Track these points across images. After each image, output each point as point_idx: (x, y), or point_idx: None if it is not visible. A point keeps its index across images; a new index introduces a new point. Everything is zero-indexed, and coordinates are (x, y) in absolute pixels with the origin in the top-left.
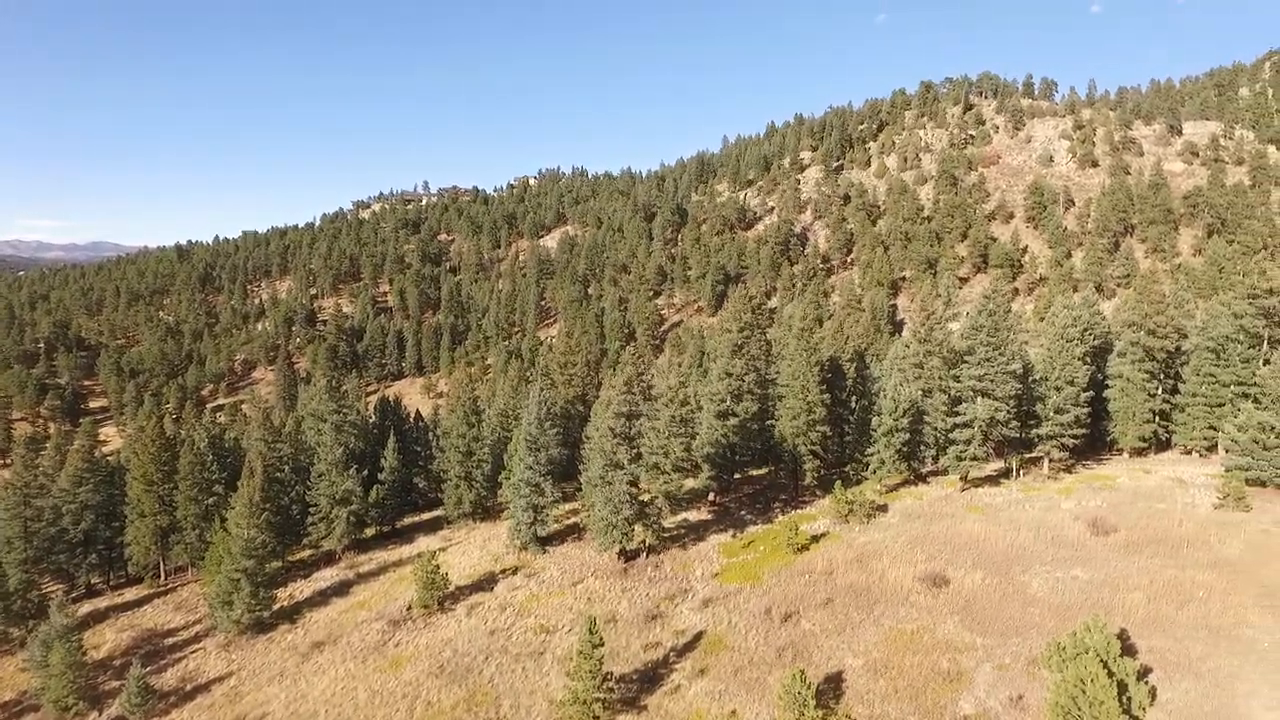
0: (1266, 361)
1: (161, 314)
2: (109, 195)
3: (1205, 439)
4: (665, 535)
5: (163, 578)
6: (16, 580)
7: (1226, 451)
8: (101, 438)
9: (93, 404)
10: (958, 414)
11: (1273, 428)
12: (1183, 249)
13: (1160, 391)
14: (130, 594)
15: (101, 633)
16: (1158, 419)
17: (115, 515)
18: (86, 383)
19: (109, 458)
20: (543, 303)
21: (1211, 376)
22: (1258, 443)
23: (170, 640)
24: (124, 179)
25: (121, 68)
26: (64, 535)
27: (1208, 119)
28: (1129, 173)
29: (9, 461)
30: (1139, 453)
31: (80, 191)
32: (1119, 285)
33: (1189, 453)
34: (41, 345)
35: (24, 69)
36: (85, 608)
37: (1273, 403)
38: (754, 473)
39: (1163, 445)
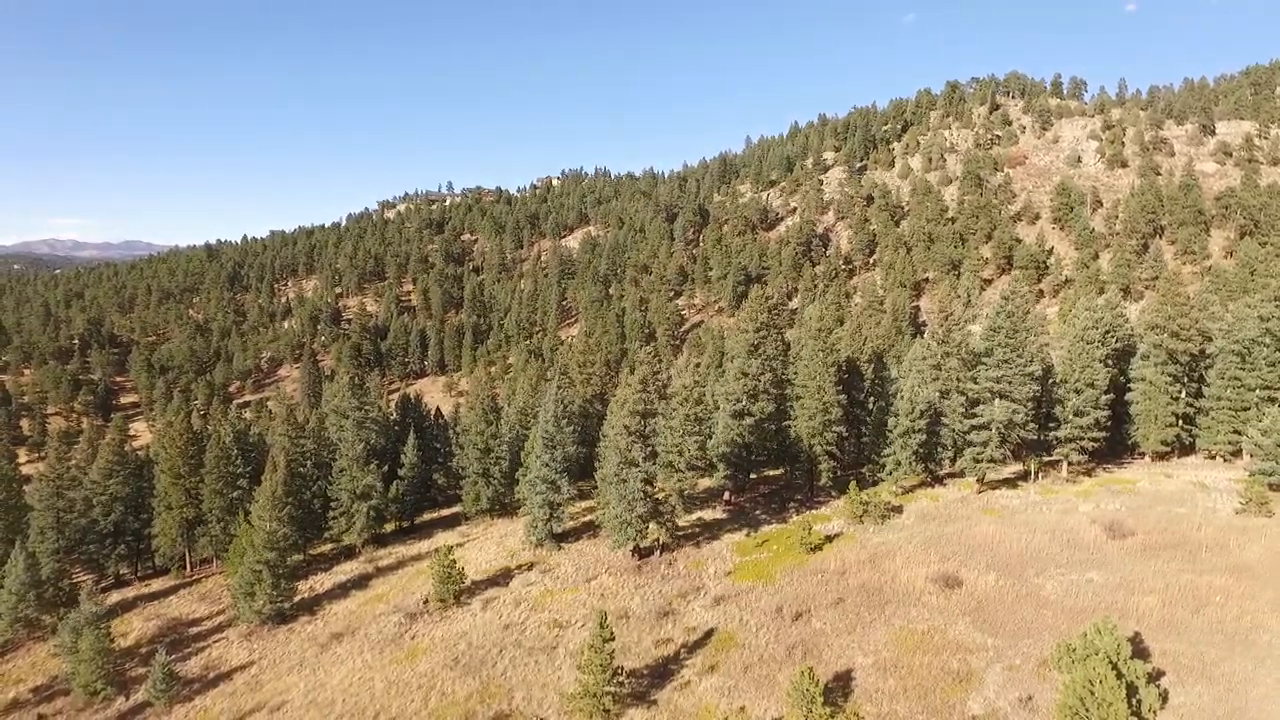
0: None
1: (191, 312)
2: (142, 195)
3: (1230, 443)
4: (679, 533)
5: (188, 569)
6: (49, 569)
7: (1251, 456)
8: (132, 433)
9: (124, 400)
10: (975, 416)
11: None
12: (1214, 251)
13: (1184, 395)
14: (157, 584)
15: (129, 621)
16: (1181, 422)
17: (144, 507)
18: (118, 379)
19: (139, 452)
20: (564, 303)
21: (1237, 380)
22: None
23: (194, 629)
24: (157, 179)
25: (155, 67)
26: (94, 526)
27: (1242, 118)
28: (1159, 173)
29: (44, 455)
30: (1161, 457)
31: (115, 191)
32: (1147, 287)
33: (1213, 457)
34: (76, 342)
35: (61, 69)
36: (114, 597)
37: None
38: (770, 473)
39: (1186, 449)
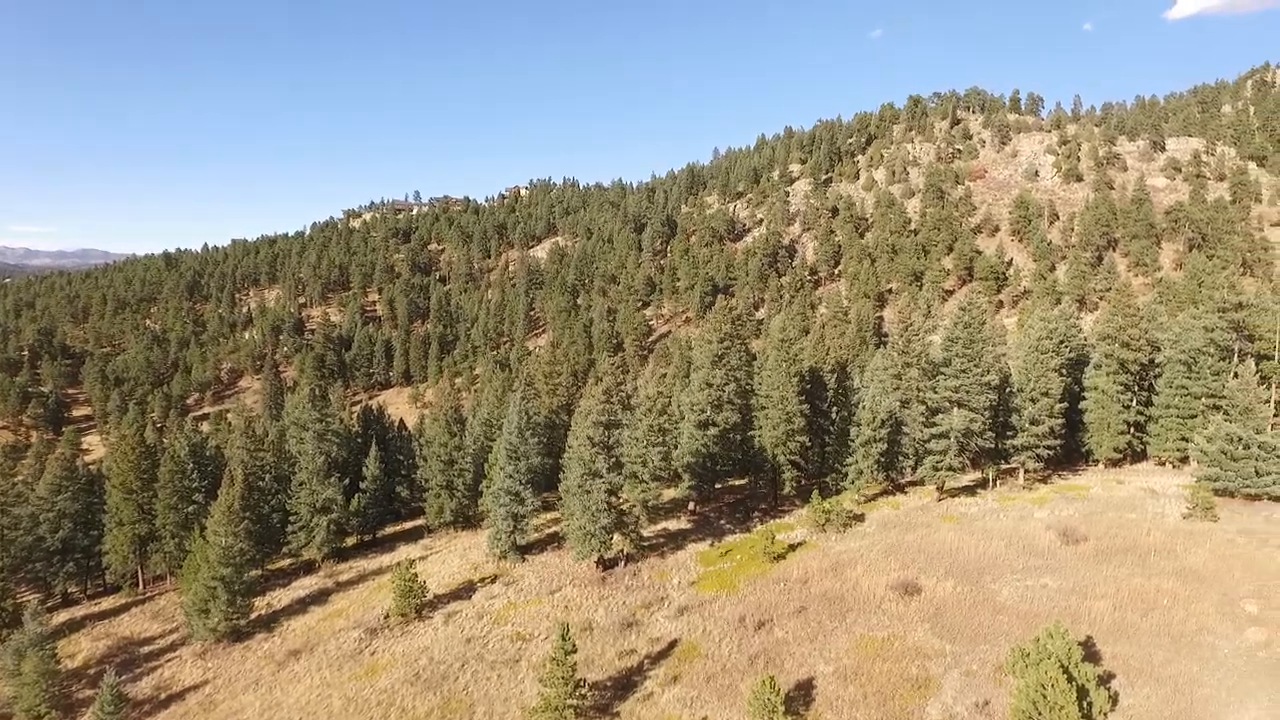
0: (1235, 374)
1: (148, 322)
2: (99, 203)
3: (1178, 450)
4: (644, 544)
5: (141, 586)
6: None
7: (1197, 463)
8: (85, 446)
9: (77, 413)
10: (935, 424)
11: (1240, 439)
12: (1164, 263)
13: (1135, 403)
14: (107, 603)
15: (77, 641)
16: (1132, 430)
17: (94, 524)
18: (71, 391)
19: (91, 466)
20: (532, 313)
21: (1183, 389)
22: (1225, 453)
23: (146, 649)
24: (114, 187)
25: (113, 75)
26: (41, 544)
27: (1191, 135)
28: (1112, 187)
29: None
30: (1114, 463)
31: (70, 199)
32: (1101, 298)
33: (1163, 464)
34: (25, 353)
35: (16, 73)
36: (61, 616)
37: (1240, 414)
38: (734, 482)
39: (1138, 456)
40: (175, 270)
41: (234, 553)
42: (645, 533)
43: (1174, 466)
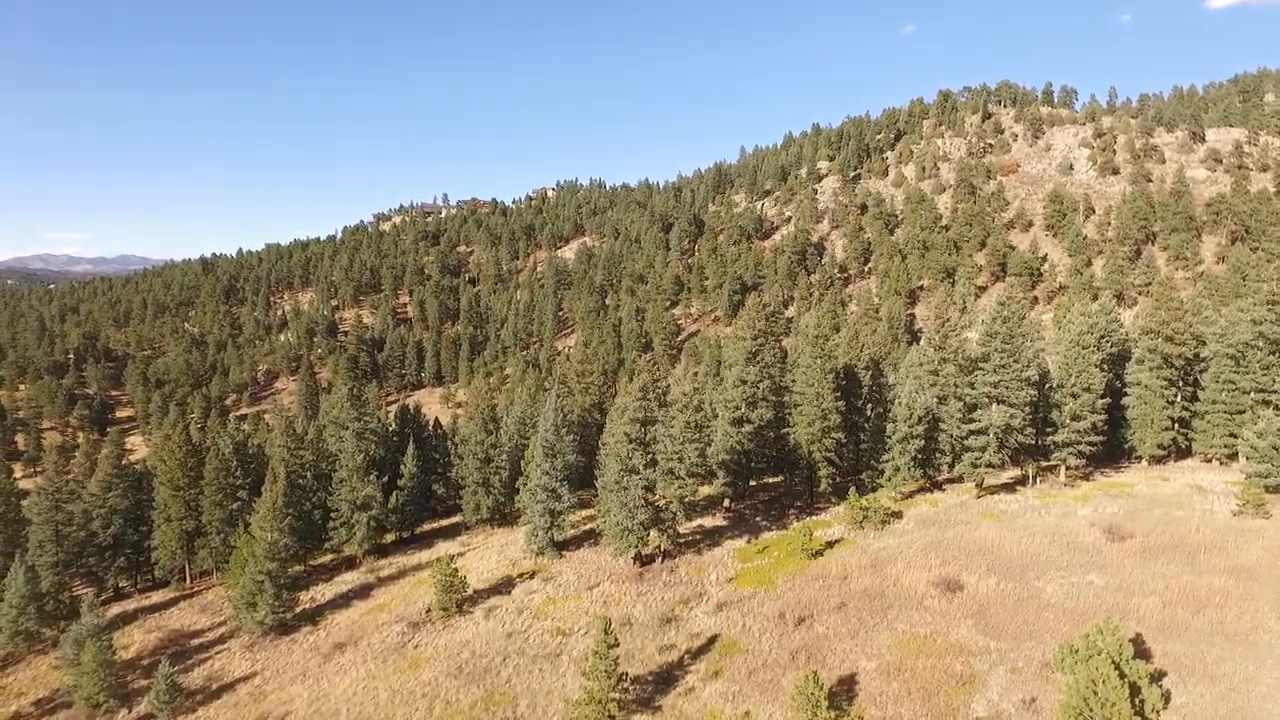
0: None
1: (187, 325)
2: (137, 209)
3: (1225, 446)
4: (680, 540)
5: (188, 581)
6: (48, 582)
7: (1246, 459)
8: (128, 446)
9: (120, 414)
10: (973, 421)
11: None
12: (1205, 256)
13: (1179, 399)
14: (157, 596)
15: (130, 634)
16: (1177, 426)
17: (143, 520)
18: (114, 393)
19: (136, 466)
20: (560, 313)
21: (1231, 383)
22: (1277, 449)
23: (196, 641)
24: (152, 193)
25: (148, 82)
26: (94, 539)
27: (1232, 125)
28: (1150, 180)
29: (40, 470)
30: (1158, 460)
31: (109, 206)
32: (1140, 293)
33: (1209, 460)
34: (71, 356)
35: (52, 83)
36: (114, 609)
37: None
38: (769, 479)
39: (1182, 453)
40: (212, 274)
41: (279, 548)
42: (681, 529)
43: (1221, 463)
